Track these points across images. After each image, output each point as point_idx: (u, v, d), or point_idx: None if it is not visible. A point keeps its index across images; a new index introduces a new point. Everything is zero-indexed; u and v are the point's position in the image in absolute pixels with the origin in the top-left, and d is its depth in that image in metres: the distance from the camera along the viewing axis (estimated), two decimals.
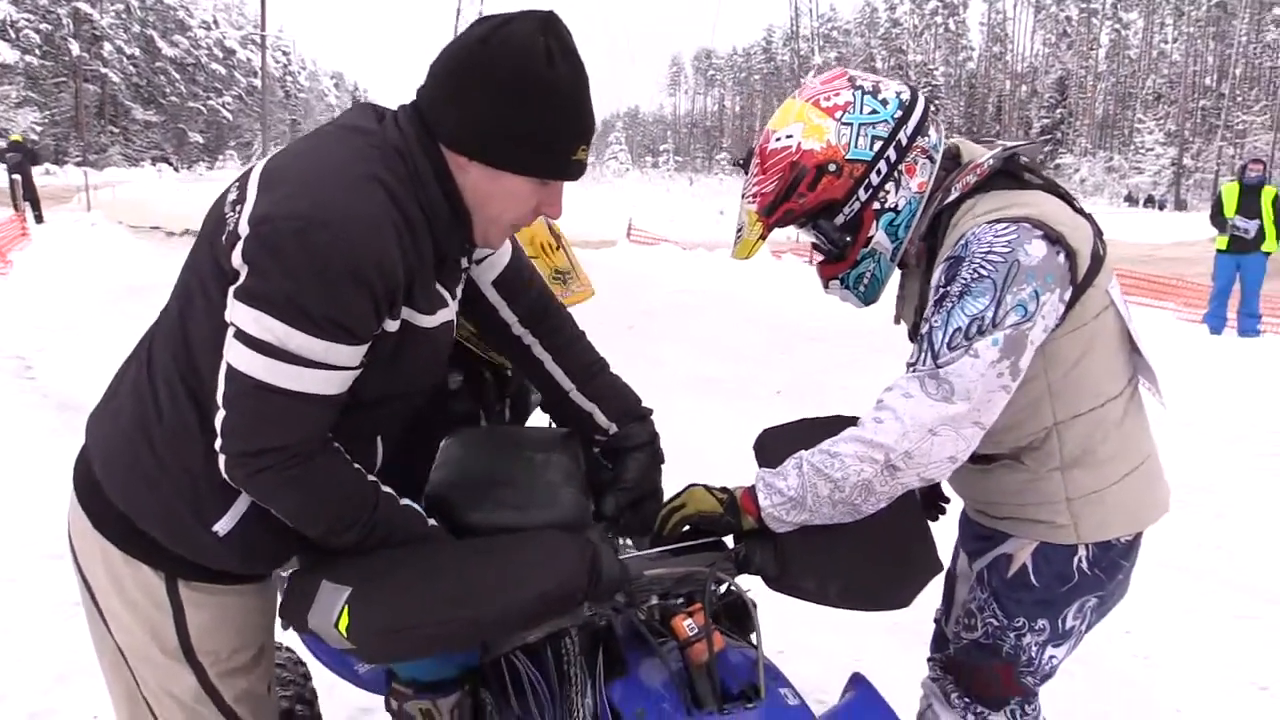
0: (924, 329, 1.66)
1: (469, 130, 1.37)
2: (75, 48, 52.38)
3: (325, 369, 1.30)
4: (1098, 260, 1.71)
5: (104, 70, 55.95)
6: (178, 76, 62.81)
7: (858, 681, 1.55)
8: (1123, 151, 73.91)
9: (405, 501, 1.50)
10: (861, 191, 1.76)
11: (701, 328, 10.24)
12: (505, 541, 1.44)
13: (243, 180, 1.39)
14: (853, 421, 1.66)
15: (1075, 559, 1.84)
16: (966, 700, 2.01)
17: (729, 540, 1.66)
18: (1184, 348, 8.38)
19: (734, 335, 10.14)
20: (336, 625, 1.30)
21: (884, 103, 1.74)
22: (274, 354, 1.27)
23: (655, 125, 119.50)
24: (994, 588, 1.90)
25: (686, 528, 1.66)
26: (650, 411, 1.80)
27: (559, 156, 1.41)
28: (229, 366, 1.30)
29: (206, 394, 1.37)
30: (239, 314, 1.28)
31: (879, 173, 1.74)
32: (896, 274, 1.95)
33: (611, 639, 1.55)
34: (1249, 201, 10.40)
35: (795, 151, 1.74)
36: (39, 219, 18.12)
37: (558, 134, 1.39)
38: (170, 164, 57.32)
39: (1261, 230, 10.40)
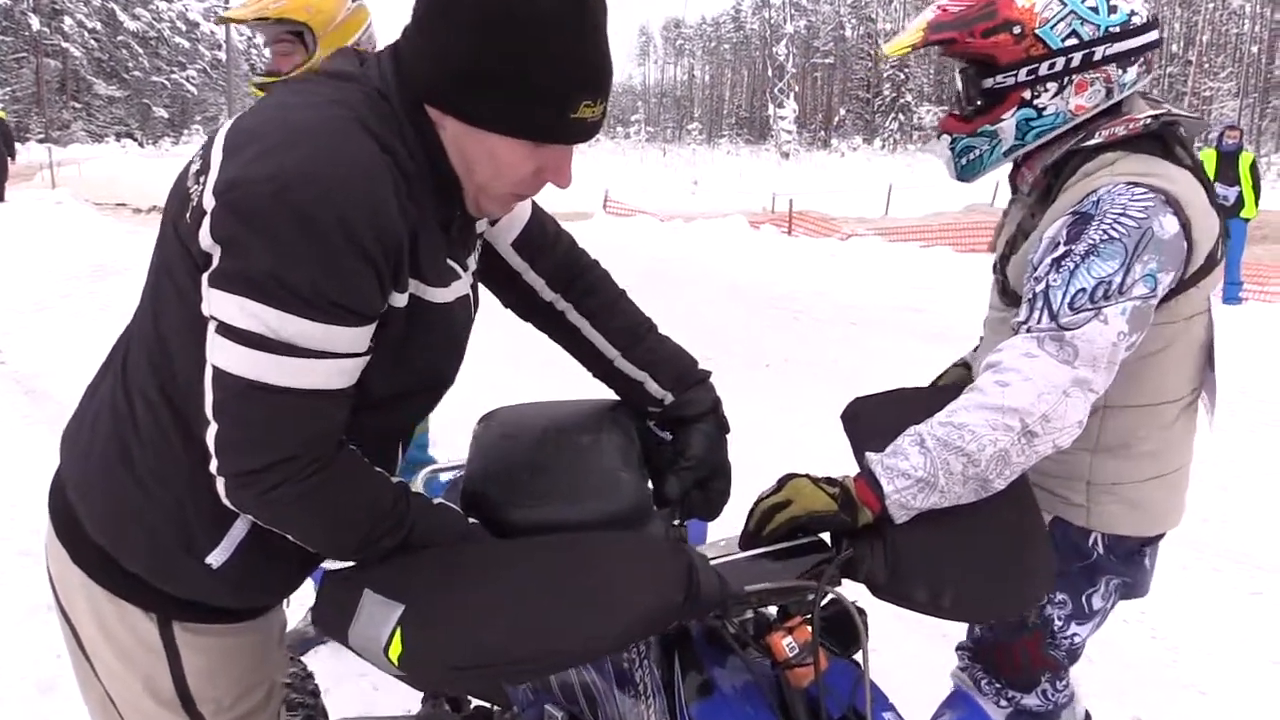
0: (1038, 287, 1.55)
1: (440, 77, 1.14)
2: (35, 22, 51.15)
3: (328, 358, 1.10)
4: (1211, 263, 1.61)
5: (65, 45, 54.64)
6: (140, 50, 61.45)
7: (962, 699, 1.42)
8: None
9: (438, 500, 1.32)
10: (1023, 72, 1.66)
11: (684, 301, 10.08)
12: (586, 552, 1.24)
13: (206, 146, 1.17)
14: (955, 391, 1.54)
15: (1090, 538, 1.80)
16: (997, 685, 1.96)
17: (826, 536, 1.48)
18: None
19: (716, 309, 10.01)
20: (386, 651, 1.12)
21: (1112, 10, 1.64)
22: (265, 346, 1.07)
23: (625, 95, 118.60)
24: None
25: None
26: (709, 374, 1.61)
27: (552, 112, 1.15)
28: (215, 369, 1.10)
29: (190, 405, 1.17)
30: (217, 304, 1.08)
31: (1052, 67, 1.65)
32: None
33: (687, 644, 1.38)
34: (1227, 168, 10.38)
35: None
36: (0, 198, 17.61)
37: (549, 82, 1.13)
38: (135, 139, 56.27)
39: (1240, 197, 10.39)
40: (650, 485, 1.49)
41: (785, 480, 1.50)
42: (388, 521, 1.22)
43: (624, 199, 21.70)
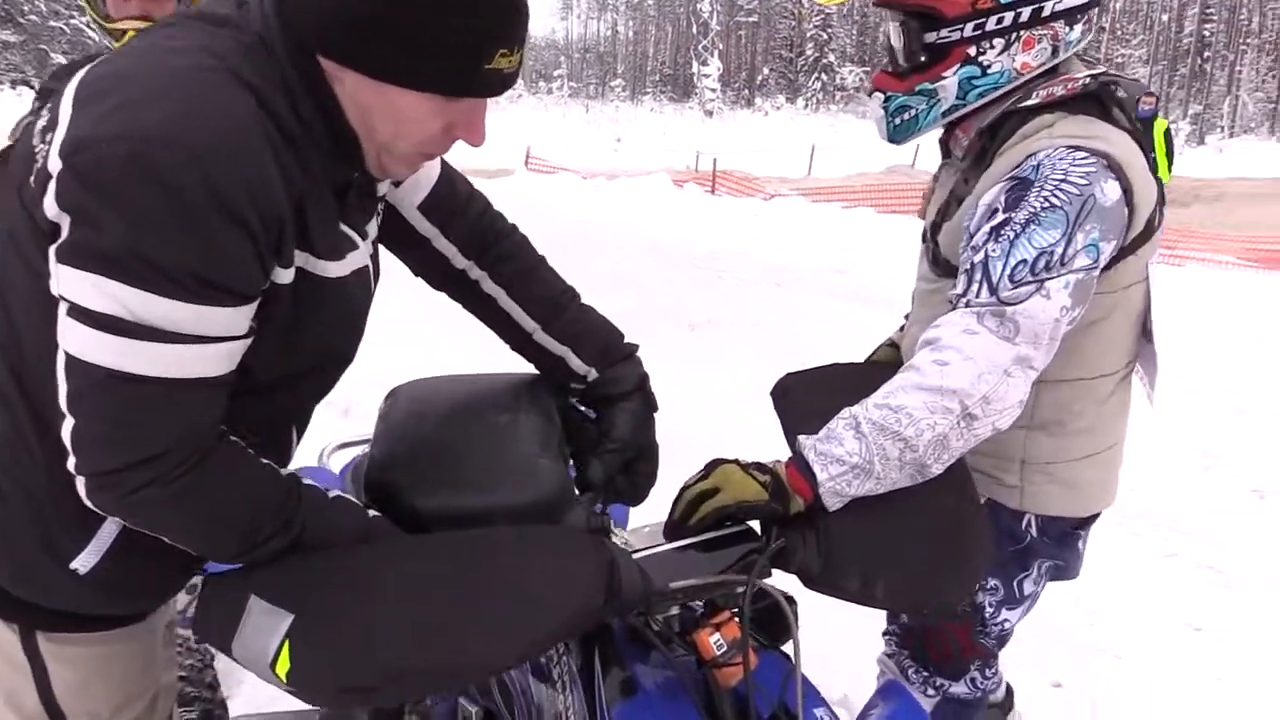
0: (975, 257, 1.47)
1: (334, 24, 1.00)
2: None
3: (200, 342, 0.97)
4: (1150, 228, 1.55)
5: None
6: None
7: (895, 691, 1.35)
8: None
9: (335, 492, 1.18)
10: (970, 27, 1.56)
11: (606, 260, 9.96)
12: (495, 550, 1.11)
13: (55, 98, 1.01)
14: (890, 369, 1.46)
15: (1024, 521, 1.74)
16: (925, 673, 1.91)
17: (755, 524, 1.38)
18: None
19: (639, 268, 9.91)
20: (273, 667, 1.00)
21: None
22: (125, 330, 0.93)
23: (548, 50, 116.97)
24: None
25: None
26: (635, 348, 1.50)
27: (464, 63, 1.03)
28: (68, 356, 0.96)
29: (45, 394, 1.02)
30: (68, 282, 0.94)
31: (1000, 22, 1.55)
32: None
33: (608, 638, 1.29)
34: (1142, 134, 10.50)
35: None
36: None
37: (461, 30, 1.01)
38: (32, 87, 53.79)
39: (1154, 163, 10.55)
40: (572, 468, 1.39)
41: (713, 466, 1.40)
42: (276, 521, 1.09)
43: (546, 156, 21.47)
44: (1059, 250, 1.42)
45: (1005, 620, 1.82)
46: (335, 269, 1.12)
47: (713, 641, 1.18)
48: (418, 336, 5.33)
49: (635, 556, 1.20)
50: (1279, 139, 51.79)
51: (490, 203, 1.49)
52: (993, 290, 1.42)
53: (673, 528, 1.37)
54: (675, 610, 1.27)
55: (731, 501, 1.33)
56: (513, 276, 1.46)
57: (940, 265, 1.71)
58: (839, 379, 1.58)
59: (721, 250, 10.96)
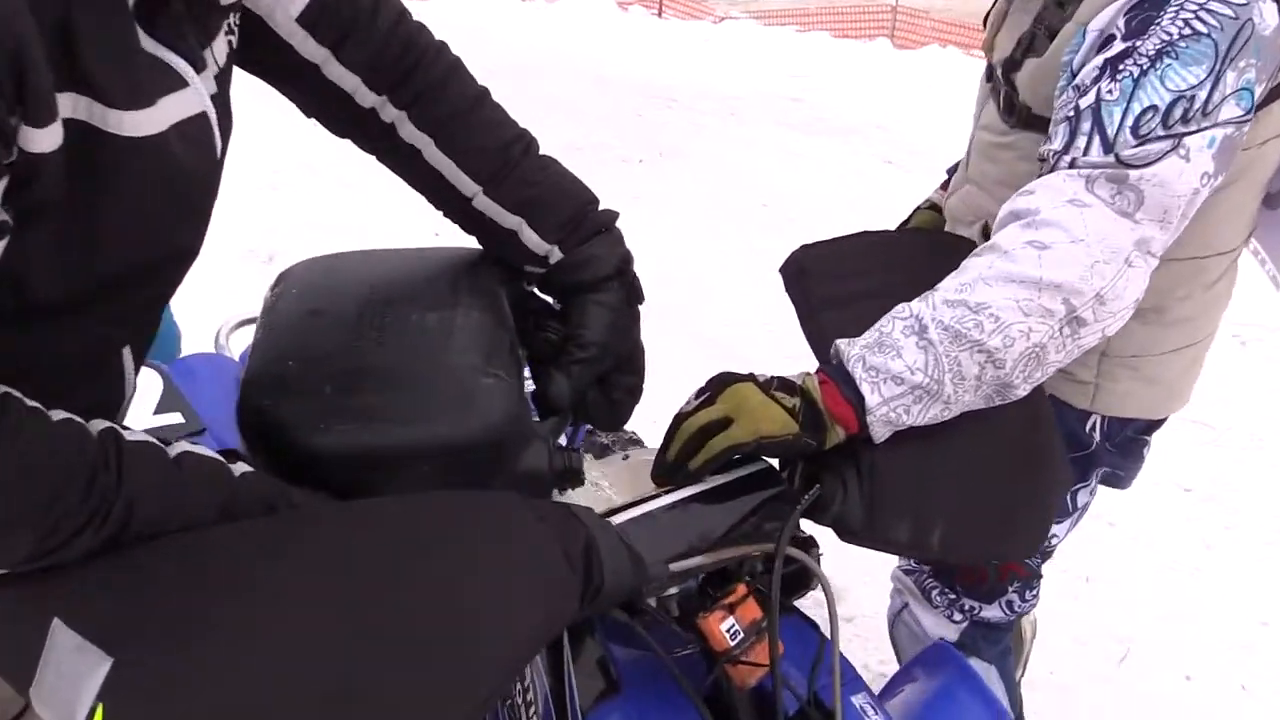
0: (1082, 101, 1.09)
1: None
2: None
3: None
4: None
5: None
6: None
7: (945, 658, 1.08)
8: None
9: (181, 447, 0.79)
10: None
11: (548, 90, 9.34)
12: (419, 533, 0.75)
13: None
14: (949, 241, 1.10)
15: (1088, 422, 1.46)
16: (951, 596, 1.64)
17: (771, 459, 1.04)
18: None
19: (584, 99, 9.32)
20: None
21: None
22: None
23: None
24: None
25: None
26: (614, 217, 1.11)
27: None
28: None
29: None
30: None
31: None
32: None
33: (583, 622, 0.98)
34: None
35: None
36: None
37: None
38: None
39: None
40: (529, 383, 1.03)
41: (720, 385, 1.02)
42: (84, 507, 0.70)
43: None
44: (1203, 94, 1.05)
45: (1053, 536, 1.56)
46: (141, 120, 0.71)
47: (725, 630, 0.86)
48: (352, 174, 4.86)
49: (617, 522, 0.87)
50: None
51: (407, 11, 1.06)
52: (1108, 147, 1.06)
53: (668, 471, 1.00)
54: (673, 590, 0.95)
55: (750, 438, 0.97)
56: (443, 118, 1.05)
57: (1019, 114, 1.34)
58: (874, 254, 1.19)
59: (670, 78, 10.39)
